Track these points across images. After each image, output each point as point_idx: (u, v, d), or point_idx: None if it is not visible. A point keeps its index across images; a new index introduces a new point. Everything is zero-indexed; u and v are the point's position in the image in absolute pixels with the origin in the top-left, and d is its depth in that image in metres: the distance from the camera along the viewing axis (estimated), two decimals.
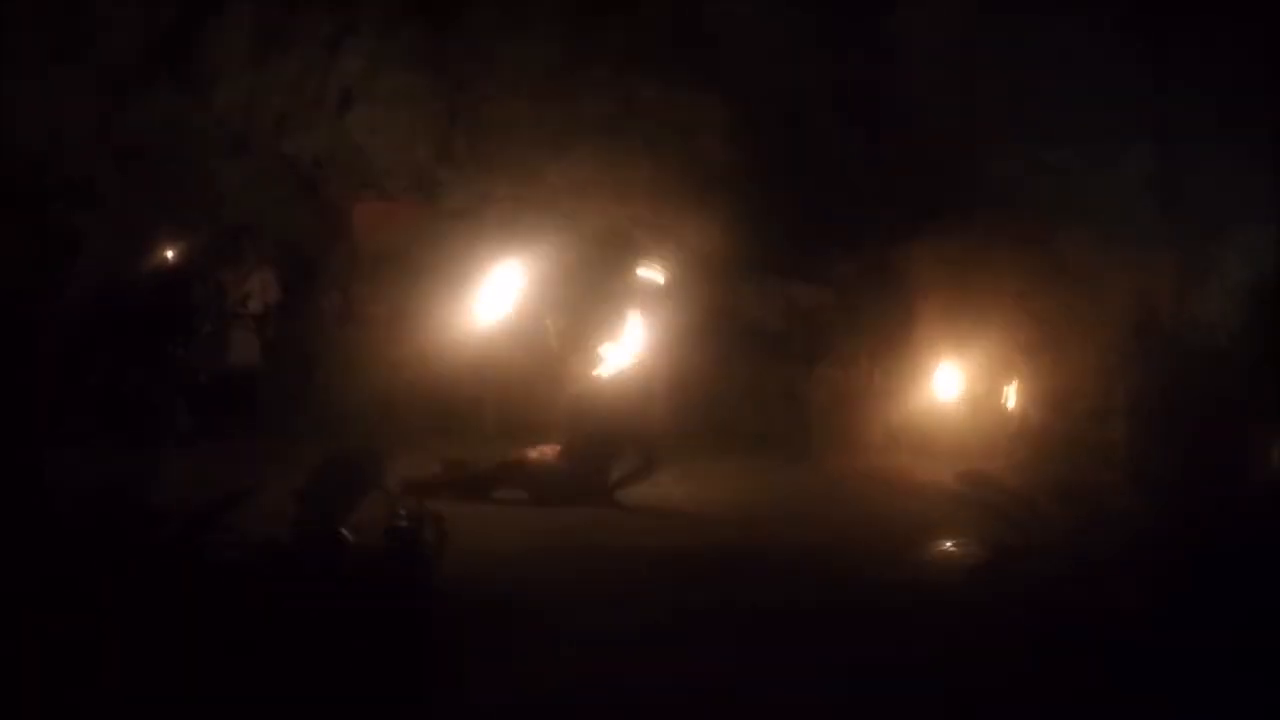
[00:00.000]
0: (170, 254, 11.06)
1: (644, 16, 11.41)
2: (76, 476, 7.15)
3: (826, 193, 11.14)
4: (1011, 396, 11.02)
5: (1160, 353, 10.54)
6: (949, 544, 8.45)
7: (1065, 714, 5.82)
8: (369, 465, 7.76)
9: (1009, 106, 10.97)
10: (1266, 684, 6.03)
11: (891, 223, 11.09)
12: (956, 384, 11.10)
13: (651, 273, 10.17)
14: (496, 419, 10.31)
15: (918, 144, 10.93)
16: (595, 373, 9.30)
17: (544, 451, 9.11)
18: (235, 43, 11.99)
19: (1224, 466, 9.08)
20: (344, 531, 7.08)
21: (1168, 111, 10.93)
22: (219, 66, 11.95)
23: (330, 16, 11.90)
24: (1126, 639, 6.44)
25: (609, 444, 9.07)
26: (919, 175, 10.99)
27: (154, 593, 6.07)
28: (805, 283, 11.06)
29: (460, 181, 11.43)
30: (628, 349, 9.32)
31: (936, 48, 11.21)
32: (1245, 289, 10.23)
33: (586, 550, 8.08)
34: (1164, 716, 5.80)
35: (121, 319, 10.30)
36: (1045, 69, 11.02)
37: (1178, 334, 10.68)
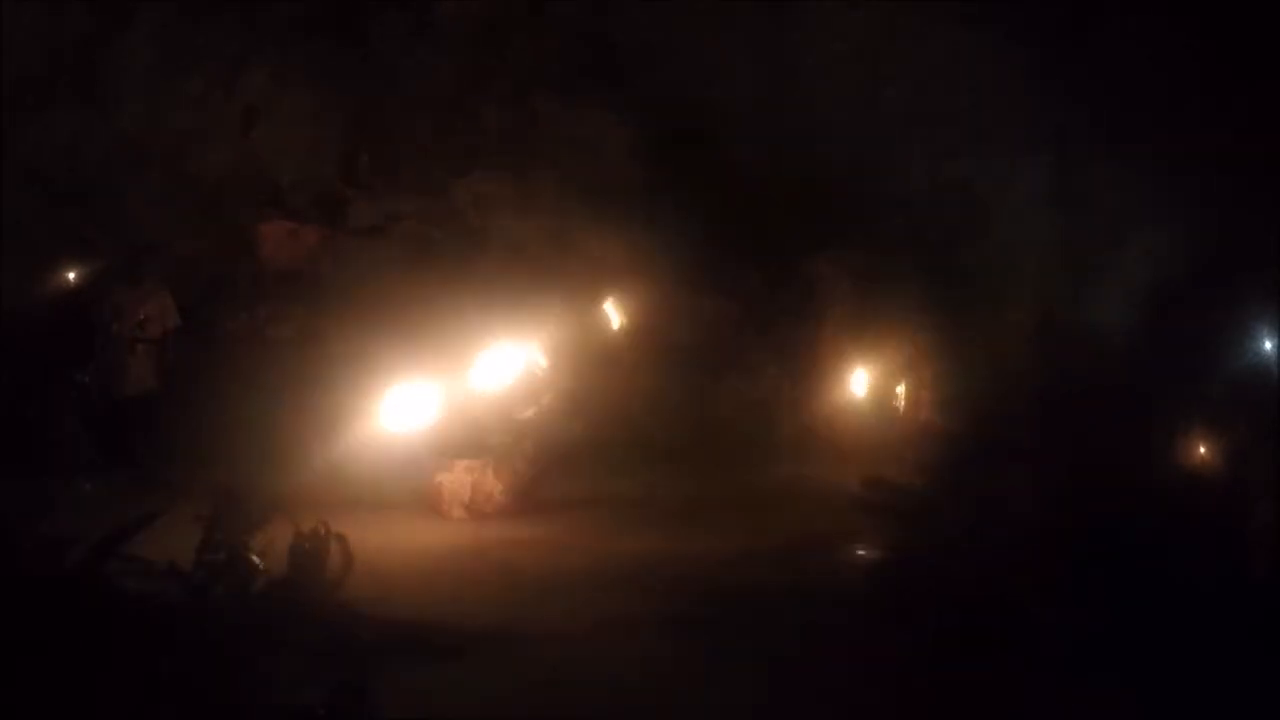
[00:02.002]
0: (68, 276, 10.78)
1: (547, 32, 11.45)
2: None
3: (732, 207, 11.24)
4: (915, 401, 11.23)
5: (1060, 356, 10.80)
6: (854, 547, 8.63)
7: (964, 701, 6.02)
8: (273, 488, 7.73)
9: (911, 121, 11.17)
10: (1159, 671, 6.27)
11: (797, 235, 11.23)
12: (862, 391, 11.29)
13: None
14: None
15: (822, 158, 11.08)
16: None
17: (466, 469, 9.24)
18: (138, 60, 11.82)
19: (1122, 465, 9.37)
20: (250, 555, 7.05)
21: (1065, 122, 11.16)
22: (122, 84, 11.77)
23: (234, 33, 11.78)
24: (1023, 630, 6.66)
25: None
26: (823, 189, 11.14)
27: (60, 622, 6.01)
28: (712, 295, 11.16)
29: (365, 199, 11.36)
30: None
31: (840, 64, 11.38)
32: (1142, 292, 10.50)
33: (495, 569, 8.14)
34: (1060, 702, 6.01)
35: (19, 344, 10.03)
36: (945, 84, 11.26)
37: (1077, 337, 10.93)
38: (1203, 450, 9.59)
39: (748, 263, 11.30)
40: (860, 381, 11.30)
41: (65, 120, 11.65)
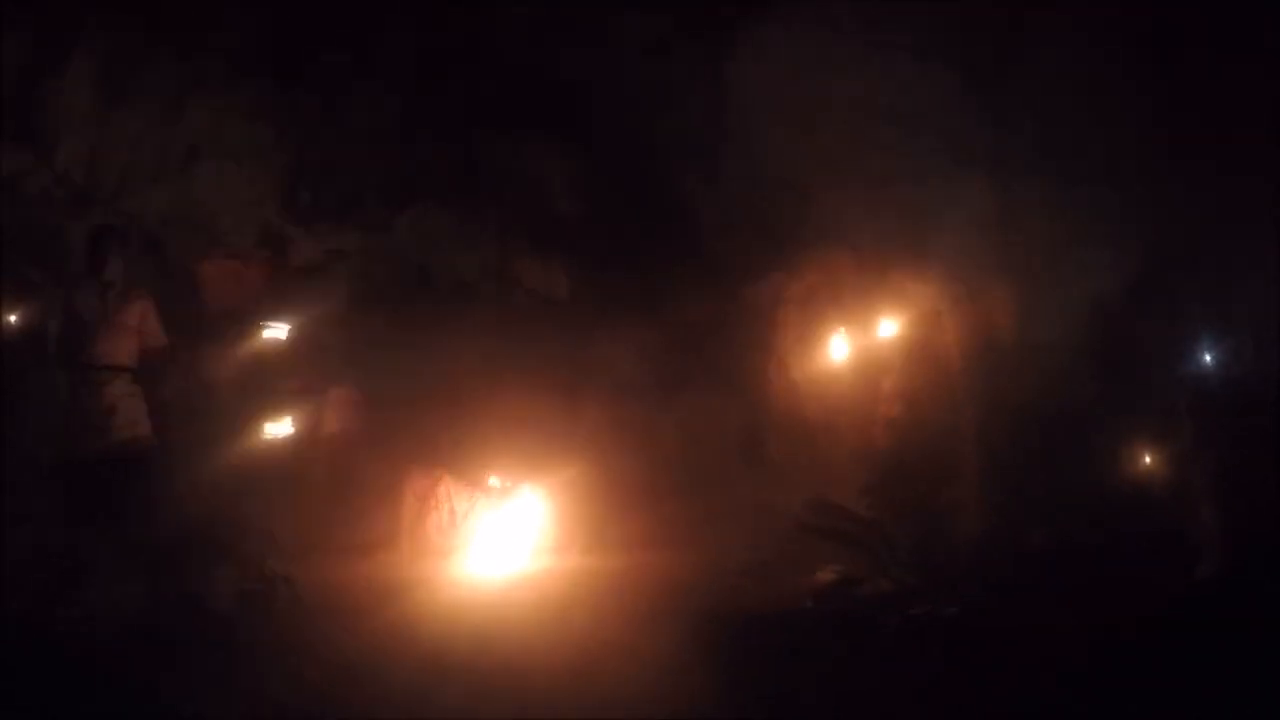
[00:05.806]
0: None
1: (487, 67, 11.52)
2: None
3: (674, 237, 11.34)
4: (861, 423, 11.31)
5: (1003, 374, 10.95)
6: (810, 570, 8.70)
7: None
8: (223, 531, 7.70)
9: (849, 149, 11.32)
10: (1122, 674, 6.39)
11: (739, 264, 11.35)
12: (807, 415, 11.37)
13: None
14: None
15: (762, 187, 11.21)
16: None
17: None
18: (77, 97, 11.76)
19: (1068, 480, 9.53)
20: (199, 597, 7.05)
21: (1000, 145, 11.34)
22: (60, 122, 11.70)
23: (174, 71, 11.75)
24: (966, 644, 6.77)
25: None
26: (764, 217, 11.27)
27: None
28: (655, 324, 11.24)
29: (308, 236, 11.33)
30: None
31: (778, 95, 11.52)
32: (1082, 309, 10.68)
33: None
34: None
35: None
36: (883, 112, 11.43)
37: (1020, 356, 11.08)
38: (1147, 459, 9.78)
39: (691, 291, 11.40)
40: (806, 405, 11.38)
41: (3, 160, 11.55)
